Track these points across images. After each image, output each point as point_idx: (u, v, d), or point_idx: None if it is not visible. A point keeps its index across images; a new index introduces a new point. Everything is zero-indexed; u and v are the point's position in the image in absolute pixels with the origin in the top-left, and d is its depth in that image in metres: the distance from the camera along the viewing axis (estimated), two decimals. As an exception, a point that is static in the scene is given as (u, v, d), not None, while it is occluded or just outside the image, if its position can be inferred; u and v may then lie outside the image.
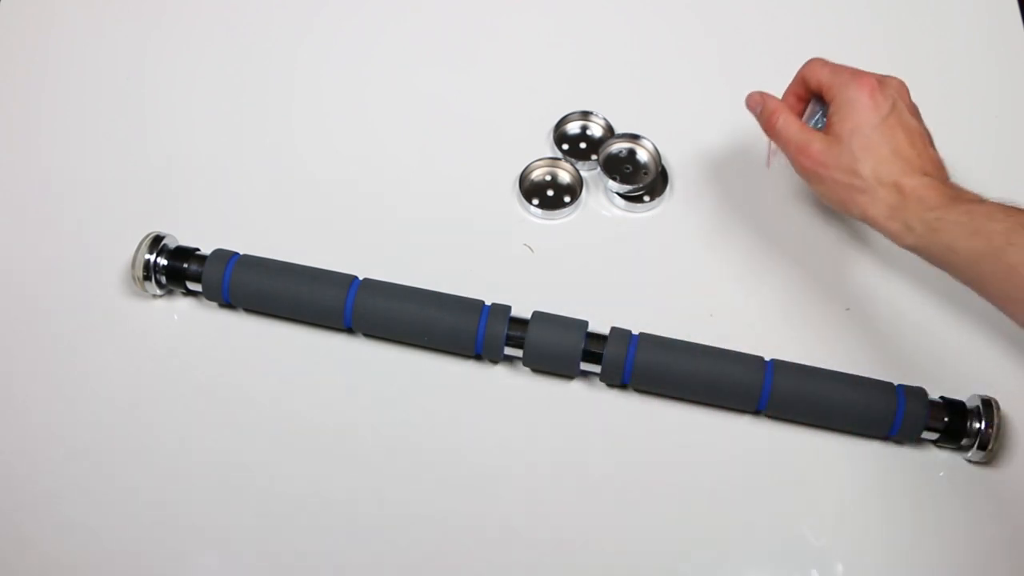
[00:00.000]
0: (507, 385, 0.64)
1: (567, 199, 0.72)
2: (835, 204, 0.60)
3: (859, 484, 0.60)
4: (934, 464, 0.60)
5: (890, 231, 0.56)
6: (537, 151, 0.75)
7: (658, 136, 0.74)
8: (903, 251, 0.57)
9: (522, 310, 0.63)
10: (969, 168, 0.75)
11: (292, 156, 0.76)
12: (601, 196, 0.73)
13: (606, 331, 0.61)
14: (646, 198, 0.72)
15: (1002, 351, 0.64)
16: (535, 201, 0.72)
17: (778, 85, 0.80)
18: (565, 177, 0.74)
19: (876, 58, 0.82)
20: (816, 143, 0.59)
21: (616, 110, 0.76)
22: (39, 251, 0.70)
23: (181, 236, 0.67)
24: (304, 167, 0.75)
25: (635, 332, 0.61)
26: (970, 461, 0.60)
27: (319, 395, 0.63)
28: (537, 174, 0.74)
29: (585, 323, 0.62)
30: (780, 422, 0.61)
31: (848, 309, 0.67)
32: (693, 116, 0.78)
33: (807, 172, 0.60)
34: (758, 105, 0.64)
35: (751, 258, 0.70)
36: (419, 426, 0.62)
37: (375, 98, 0.80)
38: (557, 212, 0.72)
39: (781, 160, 0.64)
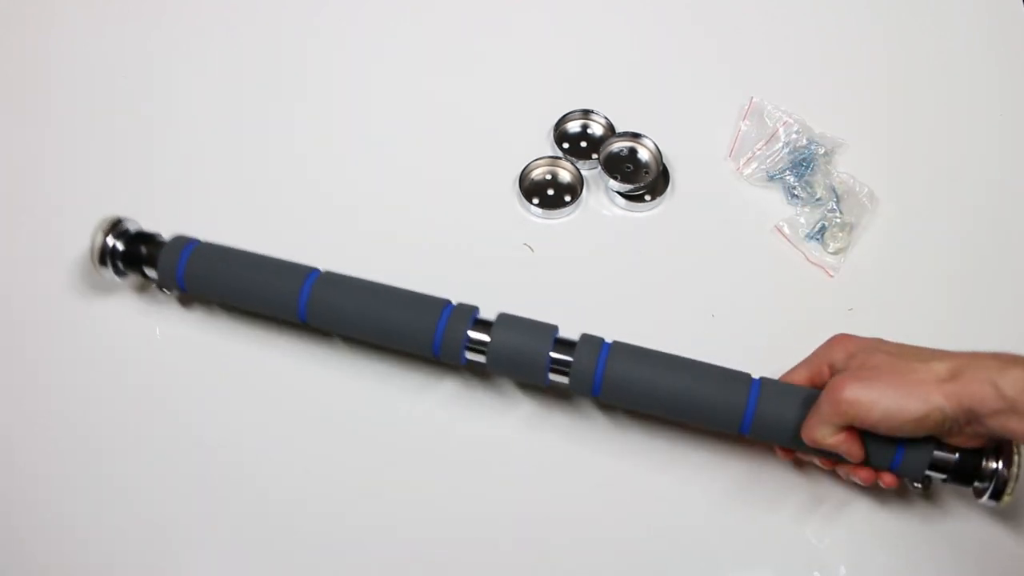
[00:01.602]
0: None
1: (567, 198, 0.72)
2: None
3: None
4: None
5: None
6: (537, 150, 0.75)
7: (659, 135, 0.74)
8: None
9: (522, 310, 0.62)
10: (971, 168, 0.75)
11: (291, 154, 0.75)
12: (602, 195, 0.73)
13: (577, 337, 0.58)
14: (647, 197, 0.72)
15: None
16: (535, 200, 0.72)
17: (778, 84, 0.80)
18: (565, 176, 0.74)
19: (876, 58, 0.83)
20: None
21: (617, 109, 0.76)
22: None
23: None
24: (303, 167, 0.75)
25: (608, 340, 0.58)
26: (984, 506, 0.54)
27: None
28: (537, 173, 0.74)
29: (554, 328, 0.58)
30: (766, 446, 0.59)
31: (851, 309, 0.67)
32: (694, 115, 0.78)
33: None
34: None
35: (752, 257, 0.70)
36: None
37: (375, 98, 0.79)
38: (557, 211, 0.71)
39: None
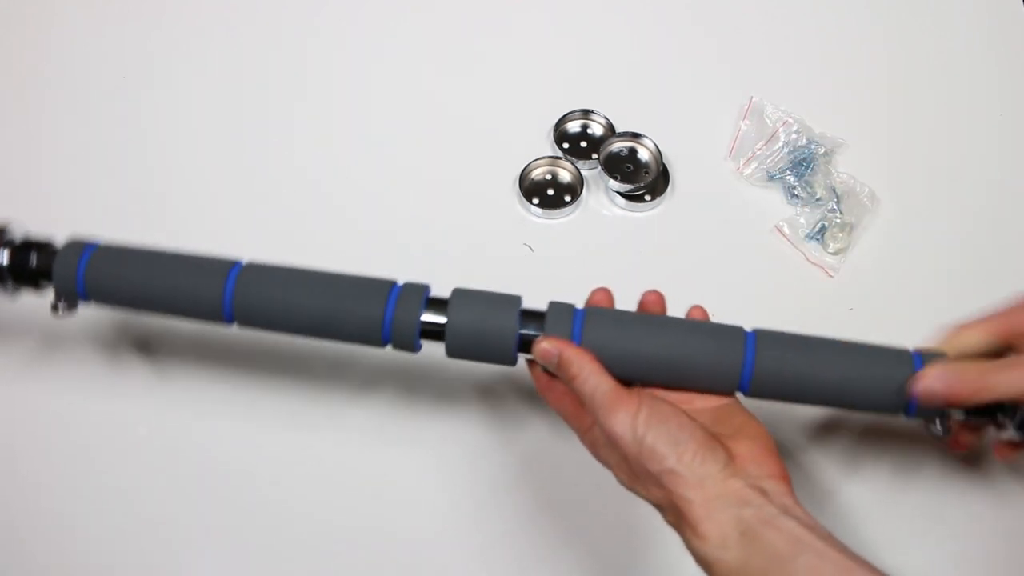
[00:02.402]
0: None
1: (567, 198, 0.72)
2: None
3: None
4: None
5: None
6: (537, 150, 0.75)
7: (659, 135, 0.74)
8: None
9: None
10: (971, 168, 0.75)
11: (291, 154, 0.75)
12: (602, 195, 0.73)
13: (544, 307, 0.52)
14: (647, 197, 0.72)
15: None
16: (535, 200, 0.72)
17: (778, 84, 0.80)
18: (565, 176, 0.74)
19: (876, 58, 0.83)
20: None
21: (617, 109, 0.76)
22: None
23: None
24: (303, 167, 0.75)
25: (579, 307, 0.53)
26: (1003, 442, 0.52)
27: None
28: (537, 173, 0.74)
29: (518, 299, 0.53)
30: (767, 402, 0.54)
31: (851, 309, 0.67)
32: (694, 115, 0.78)
33: None
34: None
35: (752, 257, 0.70)
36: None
37: (375, 98, 0.79)
38: (557, 211, 0.71)
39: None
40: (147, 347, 0.65)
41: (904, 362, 0.50)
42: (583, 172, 0.73)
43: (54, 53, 0.82)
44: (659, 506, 0.47)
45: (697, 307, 0.54)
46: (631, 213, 0.72)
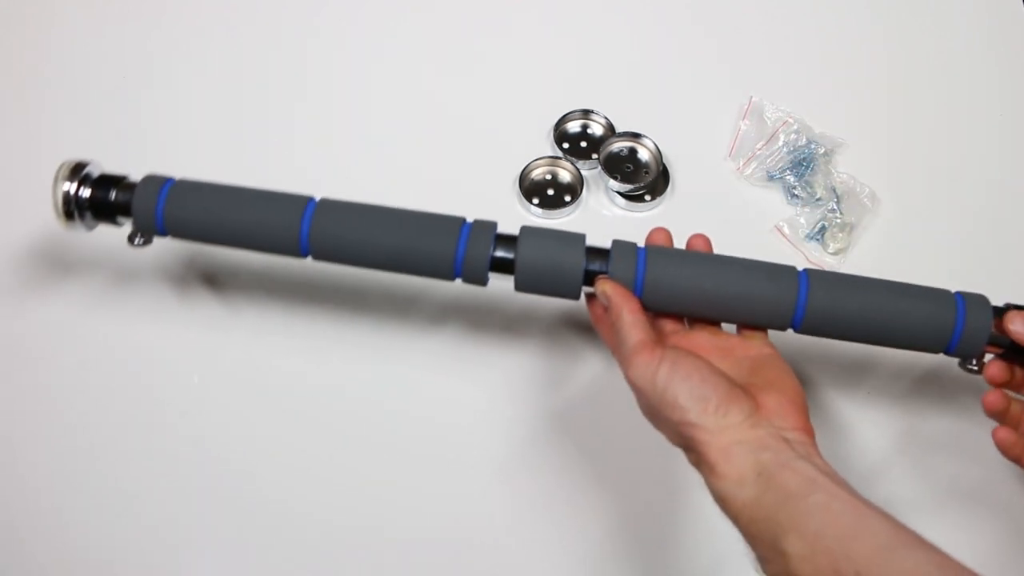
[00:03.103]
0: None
1: (567, 198, 0.72)
2: None
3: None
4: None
5: None
6: (537, 150, 0.75)
7: (659, 135, 0.74)
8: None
9: (522, 309, 0.62)
10: (971, 168, 0.75)
11: (291, 154, 0.75)
12: (602, 195, 0.73)
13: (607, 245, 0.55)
14: (647, 197, 0.72)
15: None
16: (535, 200, 0.72)
17: (778, 84, 0.80)
18: (565, 176, 0.74)
19: (876, 58, 0.83)
20: None
21: (617, 109, 0.76)
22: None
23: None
24: (303, 167, 0.75)
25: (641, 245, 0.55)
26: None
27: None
28: (537, 173, 0.74)
29: (583, 236, 0.55)
30: (818, 339, 0.55)
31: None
32: (694, 115, 0.78)
33: None
34: None
35: (752, 257, 0.70)
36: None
37: (375, 98, 0.79)
38: (557, 211, 0.71)
39: None
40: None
41: (948, 304, 0.52)
42: (583, 172, 0.73)
43: (54, 53, 0.82)
44: (681, 447, 0.49)
45: (700, 235, 0.56)
46: (631, 213, 0.72)
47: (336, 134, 0.77)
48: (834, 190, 0.72)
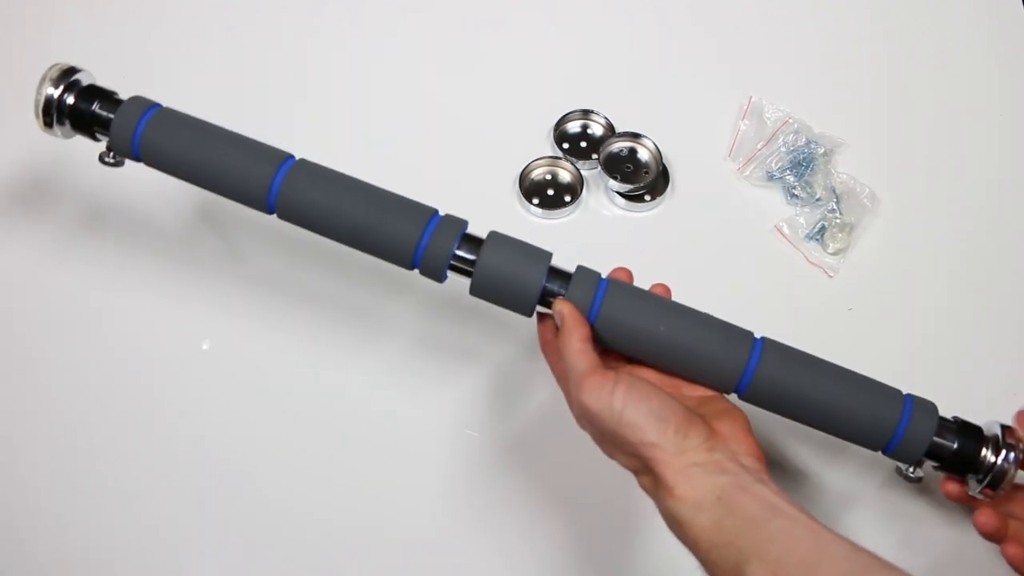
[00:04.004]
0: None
1: (567, 198, 0.72)
2: None
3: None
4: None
5: None
6: (537, 150, 0.75)
7: (659, 135, 0.74)
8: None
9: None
10: (971, 168, 0.75)
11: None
12: (602, 195, 0.73)
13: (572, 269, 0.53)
14: (647, 197, 0.72)
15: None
16: (535, 200, 0.72)
17: (778, 84, 0.80)
18: (565, 176, 0.74)
19: (876, 58, 0.83)
20: None
21: (617, 109, 0.76)
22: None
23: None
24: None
25: (604, 276, 0.54)
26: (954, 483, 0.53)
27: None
28: (537, 173, 0.74)
29: (549, 254, 0.54)
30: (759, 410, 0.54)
31: (851, 309, 0.67)
32: (694, 115, 0.78)
33: None
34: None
35: (751, 258, 0.70)
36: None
37: (375, 98, 0.79)
38: (557, 211, 0.71)
39: None
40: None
41: (896, 403, 0.51)
42: (583, 172, 0.73)
43: (54, 53, 0.82)
44: (635, 471, 0.48)
45: (661, 284, 0.55)
46: (631, 213, 0.72)
47: (336, 134, 0.77)
48: (834, 190, 0.72)
